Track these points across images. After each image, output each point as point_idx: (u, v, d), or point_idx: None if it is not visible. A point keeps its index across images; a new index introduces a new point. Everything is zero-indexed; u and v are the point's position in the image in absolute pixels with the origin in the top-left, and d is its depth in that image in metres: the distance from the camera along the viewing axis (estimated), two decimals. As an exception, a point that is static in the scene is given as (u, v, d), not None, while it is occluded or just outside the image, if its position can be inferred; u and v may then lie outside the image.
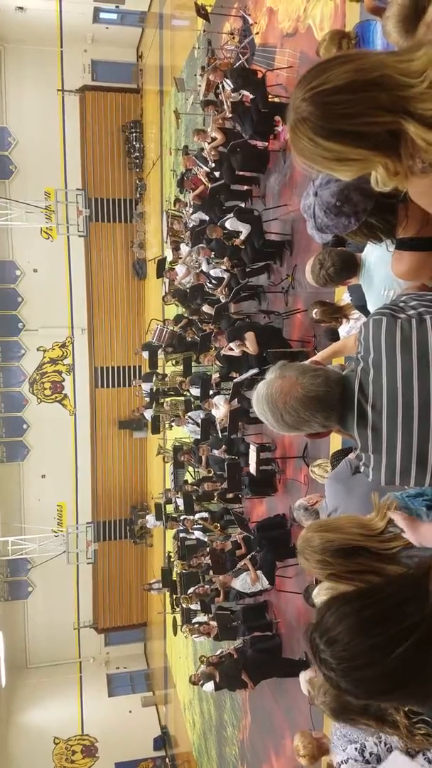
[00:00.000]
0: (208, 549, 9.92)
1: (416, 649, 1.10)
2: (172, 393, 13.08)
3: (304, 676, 4.13)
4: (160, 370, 14.15)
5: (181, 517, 11.67)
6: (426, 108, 1.11)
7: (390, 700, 1.27)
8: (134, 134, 20.88)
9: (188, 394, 11.48)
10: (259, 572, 7.96)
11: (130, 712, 19.87)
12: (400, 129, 1.14)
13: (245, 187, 9.09)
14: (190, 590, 10.39)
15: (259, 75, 8.10)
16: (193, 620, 10.52)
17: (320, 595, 2.80)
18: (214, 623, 9.15)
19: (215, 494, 10.10)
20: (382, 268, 2.22)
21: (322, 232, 1.87)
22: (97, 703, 20.16)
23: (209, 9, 10.63)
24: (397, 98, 1.11)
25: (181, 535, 11.73)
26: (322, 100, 1.13)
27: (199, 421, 10.46)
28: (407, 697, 1.21)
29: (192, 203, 10.79)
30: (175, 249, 12.44)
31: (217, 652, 9.19)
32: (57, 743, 18.94)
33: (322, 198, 1.80)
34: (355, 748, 2.25)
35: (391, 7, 2.07)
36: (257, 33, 8.99)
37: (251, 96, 7.92)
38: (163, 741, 18.48)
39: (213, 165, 9.35)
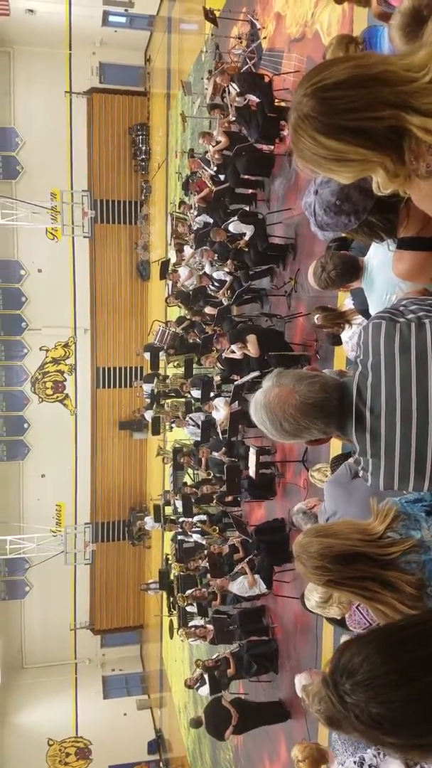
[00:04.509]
0: (205, 552, 9.90)
1: None
2: (172, 394, 13.07)
3: (299, 680, 4.12)
4: (161, 372, 14.15)
5: (180, 520, 11.64)
6: (429, 101, 1.11)
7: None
8: (141, 137, 20.93)
9: (189, 395, 11.47)
10: (256, 576, 7.94)
11: (125, 714, 19.81)
12: (402, 127, 1.13)
13: (250, 191, 9.10)
14: (188, 592, 10.36)
15: (266, 79, 8.11)
16: (190, 623, 10.48)
17: (311, 595, 2.79)
18: (210, 627, 9.12)
19: (214, 497, 10.07)
20: (383, 272, 2.21)
21: (322, 230, 1.88)
22: (92, 705, 20.10)
23: (217, 13, 10.67)
24: (399, 93, 1.12)
25: (179, 537, 11.70)
26: (324, 95, 1.14)
27: (200, 423, 10.45)
28: None
29: (196, 206, 10.81)
30: (179, 251, 12.45)
31: (213, 656, 9.16)
32: (51, 745, 18.88)
33: (322, 196, 1.81)
34: (354, 762, 2.24)
35: (395, 16, 2.10)
36: (265, 37, 9.01)
37: (257, 100, 7.93)
38: (157, 744, 18.41)
39: (215, 168, 9.36)
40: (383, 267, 2.26)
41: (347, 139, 1.15)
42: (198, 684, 8.92)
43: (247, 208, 9.03)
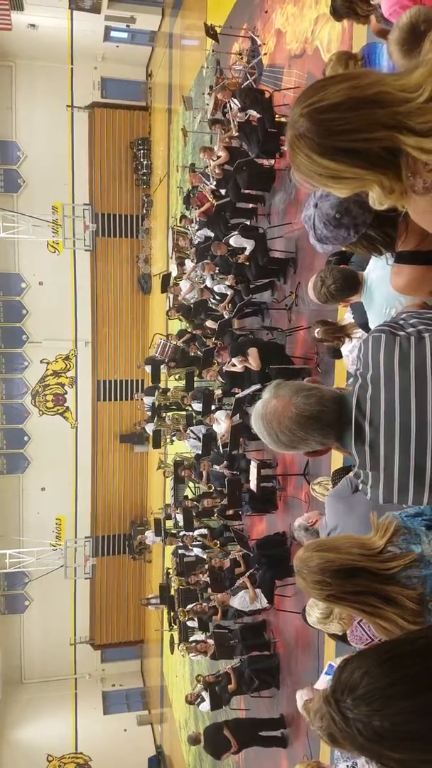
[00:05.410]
0: (206, 566, 9.84)
1: None
2: (173, 407, 13.07)
3: (300, 695, 4.08)
4: (162, 385, 14.16)
5: (181, 534, 11.59)
6: (423, 121, 1.12)
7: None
8: (142, 151, 21.11)
9: (190, 408, 11.46)
10: (257, 591, 7.89)
11: (125, 730, 19.58)
12: (397, 147, 1.15)
13: (250, 205, 9.16)
14: (188, 606, 10.29)
15: (267, 95, 8.19)
16: (191, 638, 10.40)
17: (312, 610, 2.77)
18: (211, 642, 9.04)
19: (215, 510, 10.04)
20: (383, 286, 2.22)
21: (321, 243, 1.90)
22: (91, 720, 19.88)
23: (218, 29, 10.79)
24: (394, 114, 1.13)
25: (180, 551, 11.64)
26: (319, 117, 1.15)
27: (201, 436, 10.44)
28: None
29: (197, 220, 10.87)
30: (180, 264, 12.51)
31: (214, 672, 9.07)
32: (50, 761, 18.65)
33: (322, 210, 1.83)
34: (347, 766, 2.25)
35: (393, 31, 2.13)
36: (265, 54, 9.12)
37: (258, 115, 8.01)
38: (158, 761, 18.18)
39: (216, 182, 9.43)
40: (382, 281, 2.27)
41: (342, 159, 1.17)
42: (199, 700, 8.84)
43: (248, 223, 9.08)
